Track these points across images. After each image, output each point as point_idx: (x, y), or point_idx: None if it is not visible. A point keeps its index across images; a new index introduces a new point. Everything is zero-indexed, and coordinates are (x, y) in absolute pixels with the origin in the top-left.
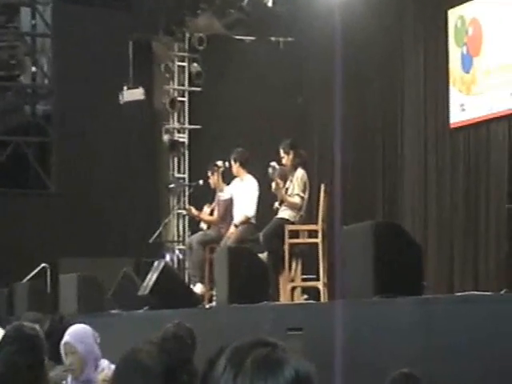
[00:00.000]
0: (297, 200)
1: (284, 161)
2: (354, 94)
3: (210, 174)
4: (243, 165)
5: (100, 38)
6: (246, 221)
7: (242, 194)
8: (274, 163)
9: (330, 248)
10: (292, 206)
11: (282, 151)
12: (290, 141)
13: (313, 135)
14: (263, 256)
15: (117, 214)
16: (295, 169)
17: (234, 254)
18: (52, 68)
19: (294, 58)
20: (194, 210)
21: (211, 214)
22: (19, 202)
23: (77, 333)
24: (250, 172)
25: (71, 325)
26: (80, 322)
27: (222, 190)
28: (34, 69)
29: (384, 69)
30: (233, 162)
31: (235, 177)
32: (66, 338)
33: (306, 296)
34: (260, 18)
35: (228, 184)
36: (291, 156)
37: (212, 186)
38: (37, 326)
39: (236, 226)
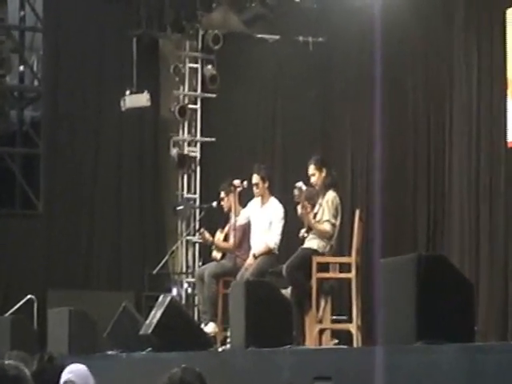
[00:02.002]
0: (327, 227)
1: (313, 180)
2: (394, 104)
3: (223, 195)
4: (271, 185)
5: (99, 34)
6: (268, 252)
7: (264, 220)
8: (300, 183)
9: (365, 284)
10: (321, 235)
11: (312, 168)
12: (321, 157)
13: (345, 152)
14: (286, 292)
15: (115, 239)
16: (326, 190)
17: (252, 288)
18: (43, 68)
19: (324, 61)
20: (207, 235)
21: (225, 239)
22: (1, 223)
23: (81, 372)
24: (272, 194)
25: (63, 366)
26: (73, 364)
27: (238, 214)
28: (21, 68)
29: (429, 76)
30: (259, 181)
31: (251, 198)
32: (69, 376)
33: (336, 340)
34: (285, 14)
35: (244, 206)
36: (323, 174)
37: (225, 209)
38: (21, 366)
39: (255, 257)
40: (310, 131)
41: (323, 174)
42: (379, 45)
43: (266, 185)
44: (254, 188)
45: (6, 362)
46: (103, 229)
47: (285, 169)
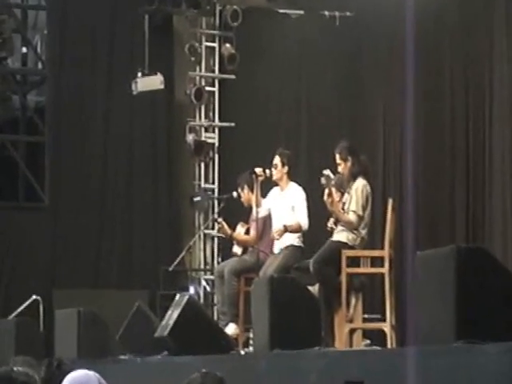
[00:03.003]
0: (352, 218)
1: (340, 169)
2: (429, 86)
3: (241, 188)
4: (290, 170)
5: (107, 11)
6: (298, 229)
7: (285, 206)
8: (327, 171)
9: (399, 280)
10: (346, 226)
11: (337, 156)
12: (348, 144)
13: (376, 137)
14: (314, 289)
15: (127, 234)
16: (354, 179)
17: (276, 285)
18: (47, 49)
19: (352, 39)
20: (226, 227)
21: (246, 234)
22: (3, 217)
23: (79, 380)
24: (292, 180)
25: (72, 371)
26: (82, 369)
27: (259, 205)
28: (24, 50)
29: (468, 56)
30: (279, 166)
31: (272, 187)
32: None
33: (368, 341)
34: None
35: (264, 197)
36: (349, 163)
37: (245, 202)
38: (31, 372)
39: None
40: (337, 115)
41: (349, 164)
42: (413, 20)
43: (285, 170)
44: (273, 169)
45: (15, 369)
46: (114, 222)
47: (310, 156)
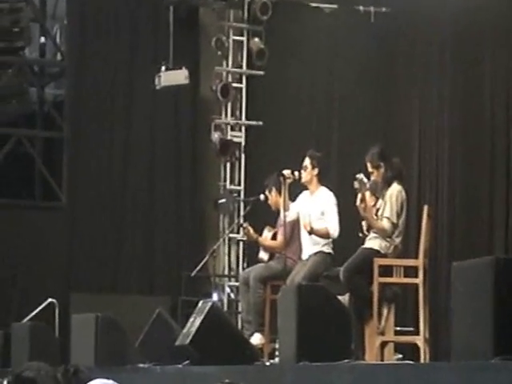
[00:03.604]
0: (385, 225)
1: (373, 177)
2: (468, 86)
3: (269, 190)
4: (320, 174)
5: (131, 1)
6: (326, 235)
7: (314, 210)
8: (361, 175)
9: (434, 291)
10: (379, 233)
11: (369, 165)
12: (379, 149)
13: (411, 138)
14: (344, 299)
15: (148, 236)
16: (389, 184)
17: (304, 294)
18: (67, 40)
19: (387, 34)
20: (252, 232)
21: (273, 239)
22: (19, 216)
23: None
24: (322, 184)
25: (90, 380)
26: (100, 377)
27: (287, 209)
28: (42, 39)
29: (511, 53)
30: (309, 168)
31: (301, 191)
32: None
33: (400, 355)
34: None
35: (293, 201)
36: (382, 170)
37: (272, 206)
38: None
39: (311, 232)
40: (370, 115)
41: (382, 170)
42: (452, 18)
43: (315, 172)
44: (302, 171)
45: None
46: (134, 224)
47: (342, 159)
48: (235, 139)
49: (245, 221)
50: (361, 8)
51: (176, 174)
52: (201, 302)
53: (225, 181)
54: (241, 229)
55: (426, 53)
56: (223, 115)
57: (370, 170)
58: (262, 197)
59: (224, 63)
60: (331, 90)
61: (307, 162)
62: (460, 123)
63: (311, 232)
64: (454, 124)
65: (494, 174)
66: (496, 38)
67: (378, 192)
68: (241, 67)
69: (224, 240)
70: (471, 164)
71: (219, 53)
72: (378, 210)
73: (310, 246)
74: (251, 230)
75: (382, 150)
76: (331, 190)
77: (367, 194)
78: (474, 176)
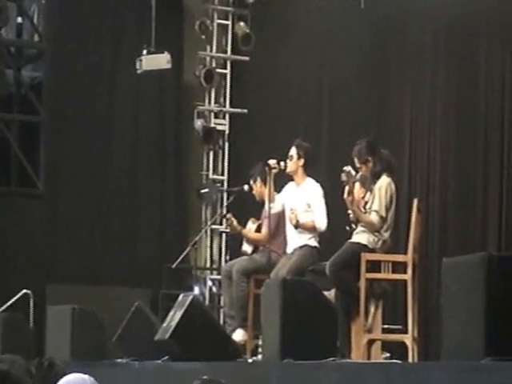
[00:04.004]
0: (373, 219)
1: (362, 172)
2: (461, 74)
3: (253, 180)
4: (306, 165)
5: None
6: (312, 229)
7: (300, 203)
8: (348, 167)
9: (424, 288)
10: (367, 227)
11: (356, 161)
12: (365, 144)
13: (403, 130)
14: (330, 294)
15: (128, 226)
16: (378, 177)
17: (289, 289)
18: (45, 20)
19: (379, 21)
20: (236, 223)
21: (257, 232)
22: None
23: None
24: (308, 175)
25: (65, 374)
26: (76, 372)
27: (273, 200)
28: (19, 20)
29: (505, 43)
30: (295, 157)
31: (288, 182)
32: None
33: (387, 354)
34: None
35: (279, 192)
36: (370, 164)
37: (257, 196)
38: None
39: (297, 225)
40: (362, 104)
41: (370, 165)
42: (446, 4)
43: (301, 162)
44: (288, 161)
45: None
46: (115, 213)
47: (332, 150)
48: (219, 127)
49: (228, 212)
50: None
51: (159, 163)
52: (181, 296)
53: (208, 170)
54: (224, 220)
55: (419, 40)
56: (207, 102)
57: (357, 165)
58: (246, 187)
59: (208, 48)
60: (321, 77)
61: (293, 151)
62: (453, 113)
63: (297, 226)
64: (447, 113)
65: (487, 166)
66: (491, 27)
67: (367, 185)
68: (225, 52)
69: (206, 231)
70: (464, 155)
71: (203, 37)
72: (366, 203)
73: (296, 239)
74: (235, 222)
75: (370, 144)
76: (319, 182)
77: (357, 185)
78: (468, 168)
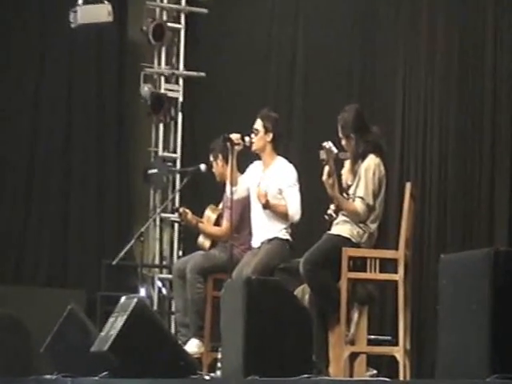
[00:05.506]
0: (358, 207)
1: (344, 144)
2: (465, 38)
3: (214, 157)
4: (276, 140)
5: None
6: (284, 214)
7: (269, 188)
8: (329, 143)
9: (418, 291)
10: (350, 217)
11: (339, 131)
12: (354, 114)
13: (393, 98)
14: (304, 297)
15: (60, 215)
16: (363, 157)
17: (255, 291)
18: None
19: None
20: (190, 216)
21: (217, 223)
22: None
23: None
24: (279, 154)
25: None
26: None
27: (235, 184)
28: None
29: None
30: (261, 132)
31: (254, 160)
32: None
33: (374, 371)
34: None
35: (242, 172)
36: (352, 143)
37: (218, 177)
38: None
39: (266, 206)
40: (344, 69)
41: (352, 143)
42: None
43: (269, 138)
44: (253, 135)
45: None
46: (44, 199)
47: (307, 123)
48: (170, 94)
49: (181, 197)
50: None
51: (97, 137)
52: (124, 298)
53: (157, 146)
54: (176, 212)
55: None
56: (156, 63)
57: (340, 135)
58: (203, 167)
59: None
60: (294, 34)
61: (259, 124)
62: (455, 81)
63: (267, 206)
64: (448, 82)
65: (496, 146)
66: None
67: (351, 167)
68: (179, 3)
69: (155, 221)
70: (468, 133)
71: None
72: (349, 188)
73: (264, 231)
74: (189, 214)
75: (358, 115)
76: (291, 162)
77: (346, 165)
78: (472, 147)
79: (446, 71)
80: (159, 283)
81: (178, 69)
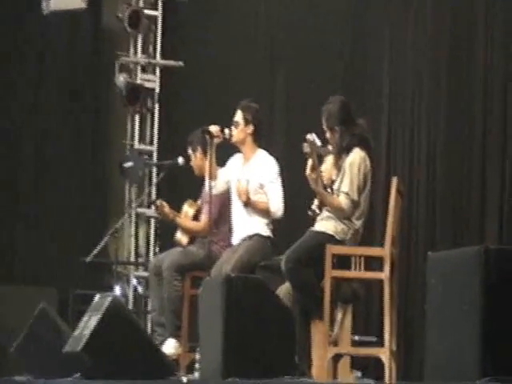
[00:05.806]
0: (343, 202)
1: (328, 137)
2: (457, 26)
3: (192, 149)
4: (257, 133)
5: None
6: (266, 211)
7: (251, 181)
8: (312, 136)
9: (405, 290)
10: (334, 213)
11: (323, 123)
12: (339, 105)
13: (379, 87)
14: (285, 295)
15: (28, 210)
16: (348, 151)
17: (234, 289)
18: None
19: None
20: (168, 209)
21: (195, 218)
22: None
23: None
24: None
25: None
26: None
27: (214, 178)
28: None
29: None
30: (241, 124)
31: (234, 153)
32: None
33: (358, 373)
34: None
35: (222, 166)
36: (337, 136)
37: (196, 170)
38: None
39: (247, 203)
40: (329, 58)
41: (336, 136)
42: None
43: (249, 130)
44: (233, 128)
45: None
46: (14, 194)
47: (290, 114)
48: (147, 84)
49: (158, 191)
50: None
51: (71, 129)
52: (98, 297)
53: (132, 139)
54: (153, 205)
55: None
56: (132, 52)
57: (324, 127)
58: (180, 160)
59: None
60: (276, 23)
61: (239, 116)
62: (445, 69)
63: (247, 203)
64: (438, 69)
65: (487, 139)
66: None
67: (335, 159)
68: None
69: (130, 216)
70: (458, 125)
71: None
72: (333, 182)
73: (244, 227)
74: (167, 208)
75: (343, 106)
76: (272, 155)
77: (329, 160)
78: (462, 140)
79: (435, 59)
80: (135, 281)
81: (154, 58)
